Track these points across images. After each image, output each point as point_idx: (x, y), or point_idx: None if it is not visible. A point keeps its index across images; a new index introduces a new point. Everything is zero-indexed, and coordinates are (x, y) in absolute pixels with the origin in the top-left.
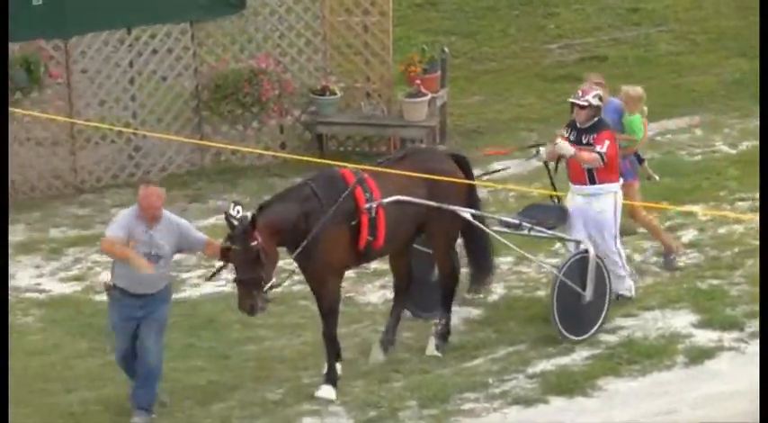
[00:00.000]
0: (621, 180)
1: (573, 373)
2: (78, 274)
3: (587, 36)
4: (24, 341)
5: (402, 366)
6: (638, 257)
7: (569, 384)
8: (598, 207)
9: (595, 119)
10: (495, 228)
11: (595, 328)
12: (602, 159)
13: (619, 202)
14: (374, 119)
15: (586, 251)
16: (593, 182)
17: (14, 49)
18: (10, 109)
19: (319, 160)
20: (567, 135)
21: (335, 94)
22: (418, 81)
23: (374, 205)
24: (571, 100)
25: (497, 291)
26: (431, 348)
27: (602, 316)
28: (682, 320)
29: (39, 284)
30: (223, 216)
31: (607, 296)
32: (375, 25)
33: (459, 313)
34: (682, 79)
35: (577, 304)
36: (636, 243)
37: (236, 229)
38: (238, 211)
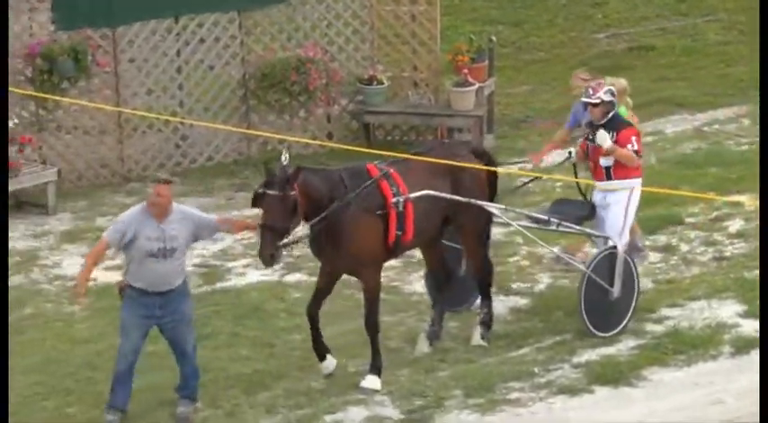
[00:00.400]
0: (639, 180)
1: (618, 363)
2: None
3: (635, 26)
4: (70, 330)
5: (447, 356)
6: (684, 247)
7: (614, 374)
8: (611, 200)
9: (610, 114)
10: (523, 223)
11: (623, 324)
12: (639, 158)
13: (633, 200)
14: (421, 108)
15: (615, 247)
16: (609, 178)
17: (62, 38)
18: (58, 97)
19: (366, 150)
20: (587, 136)
21: (383, 83)
22: (465, 70)
23: (402, 200)
24: (583, 99)
25: (543, 280)
26: (476, 338)
27: (630, 312)
28: (728, 310)
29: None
30: (280, 160)
31: (635, 292)
32: (422, 14)
33: (505, 302)
34: (729, 69)
35: (605, 300)
36: (683, 233)
37: (280, 174)
38: (286, 158)
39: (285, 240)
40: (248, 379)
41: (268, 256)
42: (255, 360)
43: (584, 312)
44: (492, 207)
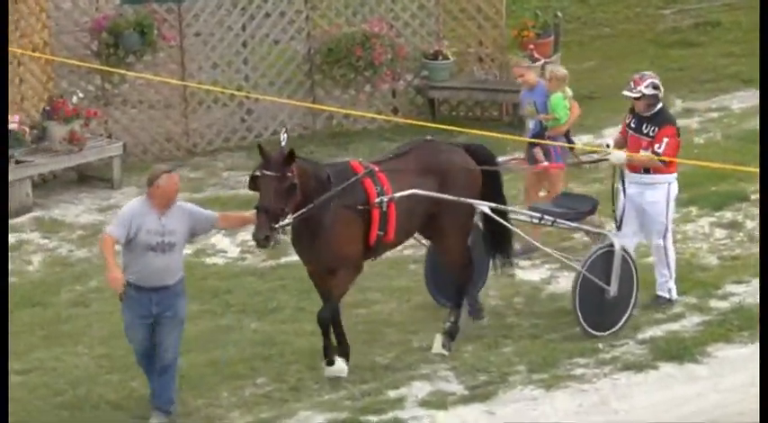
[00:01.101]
0: (674, 175)
1: (683, 339)
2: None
3: (701, 1)
4: None
5: (511, 331)
6: (749, 224)
7: (679, 350)
8: (650, 197)
9: (657, 107)
10: (522, 217)
11: (621, 323)
12: (660, 160)
13: (672, 195)
14: (486, 84)
15: (611, 245)
16: (647, 171)
17: (128, 12)
18: (123, 71)
19: (431, 125)
20: (628, 122)
21: (448, 58)
22: (531, 46)
23: (386, 200)
24: (624, 93)
25: None
26: (437, 346)
27: (629, 311)
28: None
29: None
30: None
31: (634, 291)
32: None
33: (570, 278)
34: None
35: (602, 299)
36: (748, 209)
37: (277, 156)
38: (284, 139)
39: (281, 222)
40: (312, 354)
41: (262, 238)
42: (320, 335)
43: (579, 311)
44: (481, 205)
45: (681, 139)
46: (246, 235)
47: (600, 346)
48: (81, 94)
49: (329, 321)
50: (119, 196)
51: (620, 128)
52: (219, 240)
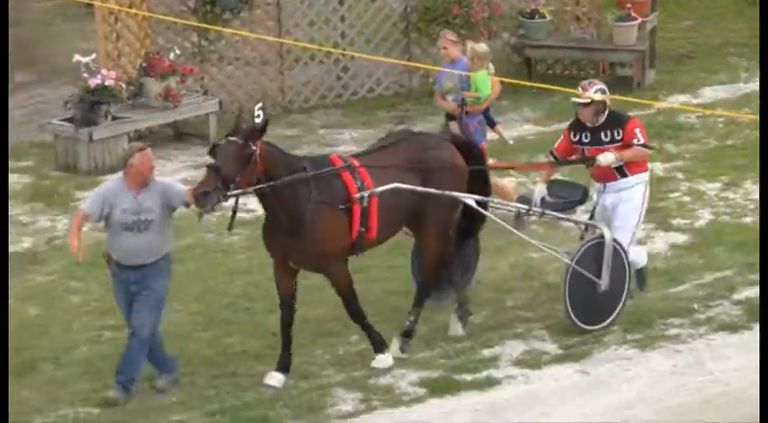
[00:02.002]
0: (647, 173)
1: None
2: None
3: None
4: (229, 260)
5: None
6: None
7: None
8: (626, 196)
9: (605, 114)
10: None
11: (613, 316)
12: (647, 150)
13: (646, 195)
14: (583, 43)
15: (602, 236)
16: (624, 175)
17: None
18: (220, 28)
19: (527, 83)
20: (576, 138)
21: (545, 17)
22: (628, 5)
23: (366, 195)
24: (573, 100)
25: (704, 216)
26: (394, 349)
27: (621, 304)
28: None
29: (245, 204)
30: (254, 115)
31: (626, 283)
32: None
33: (665, 238)
34: None
35: (592, 293)
36: None
37: (245, 126)
38: (260, 116)
39: (227, 190)
40: (404, 312)
41: (202, 193)
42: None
43: (569, 306)
44: (466, 198)
45: None
46: None
47: (695, 306)
48: (178, 51)
49: (361, 314)
50: None
51: (557, 145)
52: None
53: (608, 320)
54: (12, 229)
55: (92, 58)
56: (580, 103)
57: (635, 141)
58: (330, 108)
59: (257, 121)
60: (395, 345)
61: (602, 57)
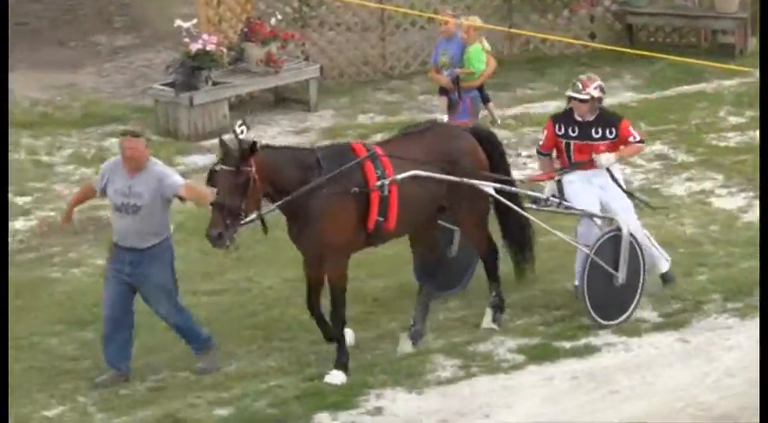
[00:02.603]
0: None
1: None
2: None
3: None
4: None
5: (707, 259)
6: None
7: None
8: (602, 181)
9: (598, 110)
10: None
11: (630, 311)
12: (643, 144)
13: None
14: (685, 10)
15: (619, 229)
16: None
17: None
18: None
19: (628, 50)
20: (561, 132)
21: None
22: None
23: (386, 182)
24: (569, 94)
25: None
26: (487, 321)
27: (637, 298)
28: None
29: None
30: (236, 133)
31: (641, 276)
32: None
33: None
34: None
35: (610, 286)
36: None
37: (234, 149)
38: (243, 132)
39: (238, 221)
40: (506, 280)
41: (215, 236)
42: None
43: (587, 299)
44: (485, 185)
45: None
46: None
47: None
48: (279, 16)
49: (344, 321)
50: (315, 119)
51: (543, 143)
52: None
53: (624, 316)
54: None
55: (193, 23)
56: (578, 99)
57: (631, 139)
58: None
59: (241, 138)
60: (488, 316)
61: (704, 24)
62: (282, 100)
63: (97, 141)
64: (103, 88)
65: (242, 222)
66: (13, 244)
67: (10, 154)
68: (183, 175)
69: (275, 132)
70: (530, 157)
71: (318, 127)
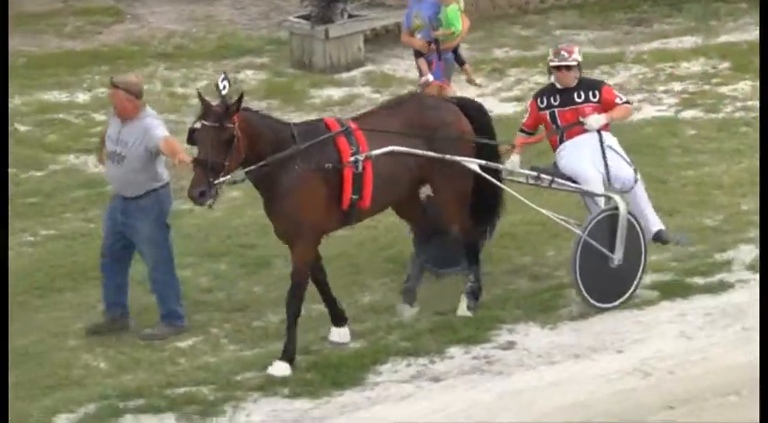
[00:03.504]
0: None
1: None
2: (519, 94)
3: None
4: None
5: None
6: None
7: None
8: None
9: (578, 78)
10: (519, 179)
11: (628, 293)
12: (631, 106)
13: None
14: None
15: (616, 208)
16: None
17: None
18: None
19: None
20: (544, 104)
21: None
22: None
23: (360, 158)
24: (555, 63)
25: None
26: (462, 308)
27: (637, 280)
28: None
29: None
30: (218, 88)
31: (642, 257)
32: None
33: None
34: None
35: (605, 268)
36: None
37: (217, 106)
38: (225, 87)
39: (220, 178)
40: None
41: (197, 194)
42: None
43: (579, 281)
44: (471, 162)
45: None
46: None
47: None
48: None
49: (298, 310)
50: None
51: (525, 121)
52: None
53: (623, 298)
54: None
55: None
56: (566, 65)
57: (617, 100)
58: (567, 9)
59: (224, 93)
60: (463, 302)
61: None
62: None
63: (232, 73)
64: (239, 20)
65: (222, 180)
66: None
67: (147, 86)
68: (317, 108)
69: (409, 66)
70: (666, 92)
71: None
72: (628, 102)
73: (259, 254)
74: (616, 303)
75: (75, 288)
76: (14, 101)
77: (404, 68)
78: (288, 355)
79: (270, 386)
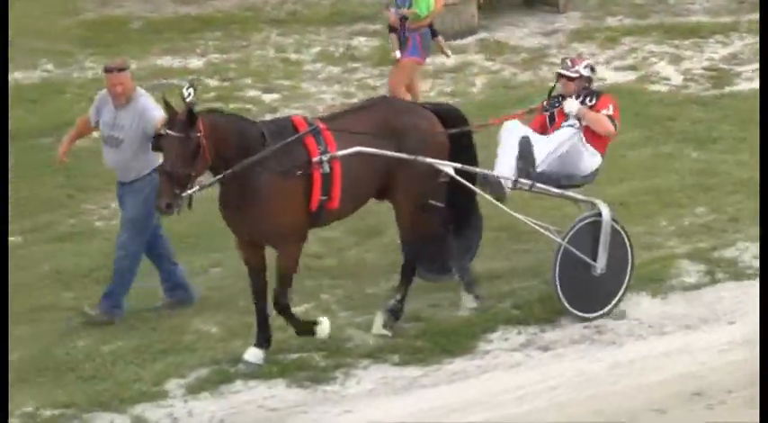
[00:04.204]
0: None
1: None
2: (633, 63)
3: None
4: None
5: None
6: None
7: None
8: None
9: (586, 89)
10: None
11: (612, 303)
12: (614, 125)
13: (593, 166)
14: None
15: (600, 214)
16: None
17: None
18: None
19: None
20: (548, 107)
21: None
22: None
23: (326, 158)
24: (559, 71)
25: None
26: (377, 325)
27: (623, 289)
28: None
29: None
30: (182, 96)
31: (629, 265)
32: None
33: None
34: None
35: (587, 277)
36: None
37: (181, 113)
38: (190, 94)
39: (189, 188)
40: (753, 184)
41: (163, 205)
42: (754, 167)
43: (559, 290)
44: (444, 165)
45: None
46: (690, 63)
47: None
48: None
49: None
50: (563, 20)
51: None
52: (663, 67)
53: (607, 308)
54: (360, 92)
55: None
56: (566, 76)
57: (604, 111)
58: None
59: (189, 100)
60: (379, 319)
61: None
62: (531, 1)
63: (345, 40)
64: None
65: (191, 191)
66: None
67: (258, 52)
68: (430, 75)
69: (523, 34)
70: None
71: (566, 29)
72: (613, 120)
73: (370, 223)
74: (600, 313)
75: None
76: (132, 66)
77: (518, 36)
78: (264, 340)
79: (380, 353)
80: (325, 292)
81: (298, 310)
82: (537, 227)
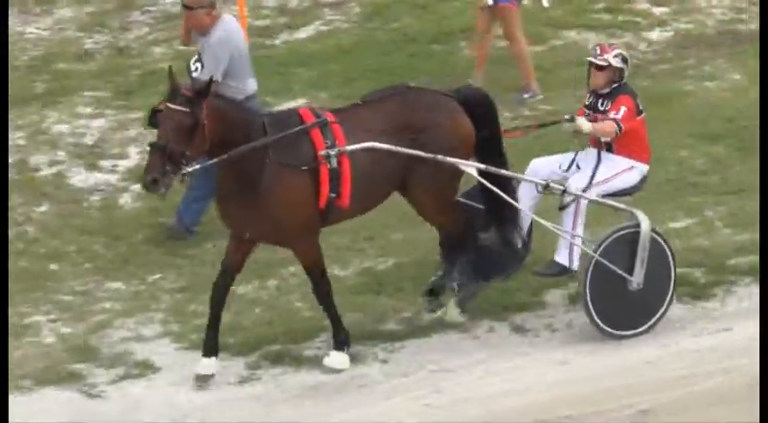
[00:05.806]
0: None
1: None
2: None
3: None
4: None
5: None
6: None
7: None
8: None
9: (616, 83)
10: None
11: (654, 319)
12: (618, 127)
13: (625, 177)
14: None
15: (638, 225)
16: (609, 149)
17: None
18: None
19: None
20: (587, 102)
21: None
22: None
23: (333, 153)
24: (589, 58)
25: None
26: (453, 313)
27: (665, 305)
28: None
29: None
30: (189, 69)
31: (671, 279)
32: None
33: None
34: None
35: (622, 292)
36: None
37: (186, 87)
38: (197, 68)
39: (180, 168)
40: None
41: (150, 181)
42: None
43: (590, 306)
44: (469, 165)
45: (642, 120)
46: None
47: None
48: None
49: (329, 298)
50: None
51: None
52: None
53: (645, 326)
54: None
55: None
56: (594, 64)
57: (612, 114)
58: None
59: (195, 75)
60: (451, 309)
61: None
62: None
63: None
64: None
65: (182, 172)
66: (647, 55)
67: None
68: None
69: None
70: None
71: None
72: (618, 124)
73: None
74: (639, 331)
75: None
76: None
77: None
78: (340, 344)
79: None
80: (708, 208)
81: (680, 225)
82: (565, 235)
